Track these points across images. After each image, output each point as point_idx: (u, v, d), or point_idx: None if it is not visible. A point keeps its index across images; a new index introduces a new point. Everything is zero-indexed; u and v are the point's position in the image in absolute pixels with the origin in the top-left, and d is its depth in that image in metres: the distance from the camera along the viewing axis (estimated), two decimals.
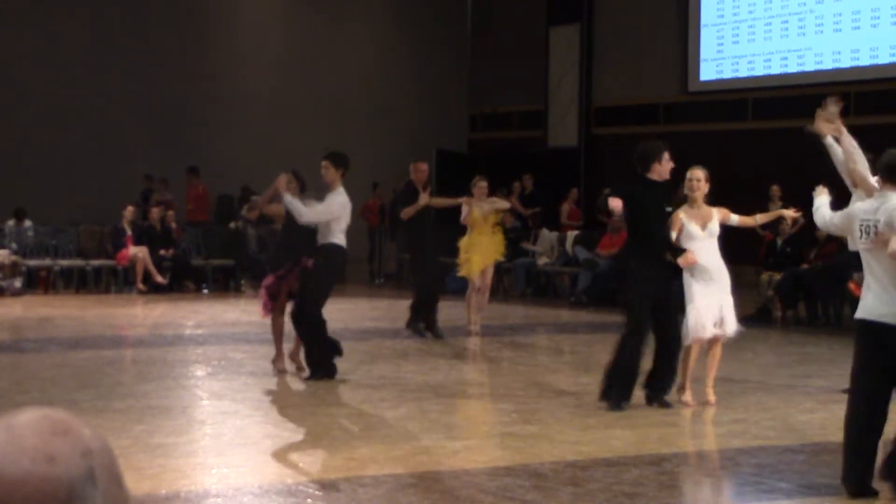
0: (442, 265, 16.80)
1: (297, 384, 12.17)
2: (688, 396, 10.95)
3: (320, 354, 12.20)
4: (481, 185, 16.18)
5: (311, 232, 12.22)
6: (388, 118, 27.95)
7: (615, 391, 10.68)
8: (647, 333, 10.72)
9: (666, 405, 10.81)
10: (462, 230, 16.28)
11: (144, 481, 7.74)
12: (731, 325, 11.02)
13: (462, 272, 16.31)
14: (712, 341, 11.07)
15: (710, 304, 10.88)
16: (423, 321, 15.92)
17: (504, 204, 16.85)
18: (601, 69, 26.75)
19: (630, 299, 10.76)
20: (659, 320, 10.72)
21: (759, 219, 11.75)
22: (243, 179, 24.91)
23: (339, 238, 12.13)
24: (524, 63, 27.93)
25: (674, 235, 10.87)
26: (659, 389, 10.86)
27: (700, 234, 10.87)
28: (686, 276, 10.92)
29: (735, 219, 11.25)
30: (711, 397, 11.08)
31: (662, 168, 10.67)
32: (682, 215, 10.89)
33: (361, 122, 26.72)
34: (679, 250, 10.75)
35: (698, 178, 10.96)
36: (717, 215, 11.02)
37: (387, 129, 27.63)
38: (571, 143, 27.07)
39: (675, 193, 11.44)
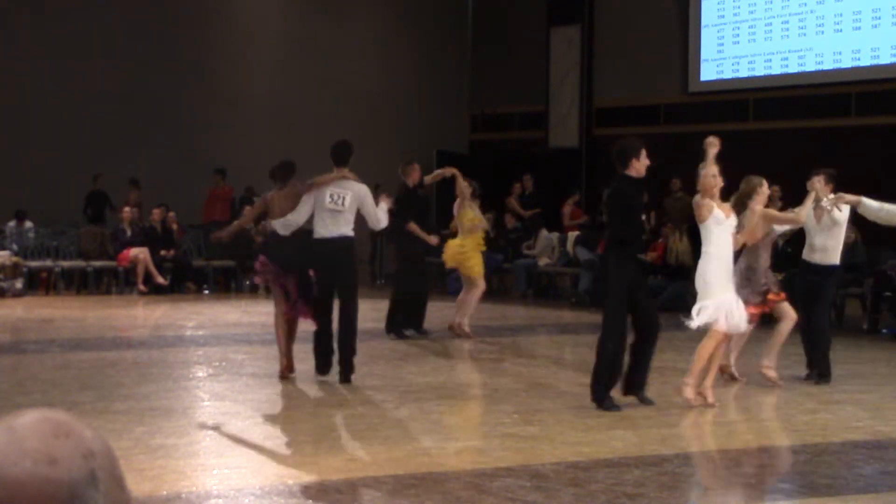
0: (430, 265, 16.72)
1: (297, 386, 12.16)
2: (690, 392, 10.94)
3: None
4: (466, 187, 16.31)
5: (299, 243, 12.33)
6: (389, 119, 27.96)
7: (603, 391, 10.74)
8: (626, 330, 10.75)
9: (647, 402, 10.87)
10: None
11: (145, 483, 7.74)
12: (743, 322, 11.06)
13: (467, 272, 16.26)
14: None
15: (730, 298, 10.90)
16: (409, 322, 16.01)
17: (485, 225, 16.85)
18: (602, 70, 26.75)
19: (610, 298, 10.74)
20: (637, 315, 10.76)
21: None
22: (246, 180, 24.92)
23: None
24: (525, 64, 27.94)
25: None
26: (637, 384, 10.92)
27: (725, 221, 10.94)
28: (709, 265, 10.90)
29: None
30: (711, 398, 11.08)
31: (640, 165, 10.76)
32: (708, 200, 10.93)
33: (363, 123, 26.70)
34: None
35: (714, 174, 11.06)
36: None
37: (388, 131, 27.63)
38: (572, 143, 27.08)
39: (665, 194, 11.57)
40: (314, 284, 12.31)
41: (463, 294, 16.36)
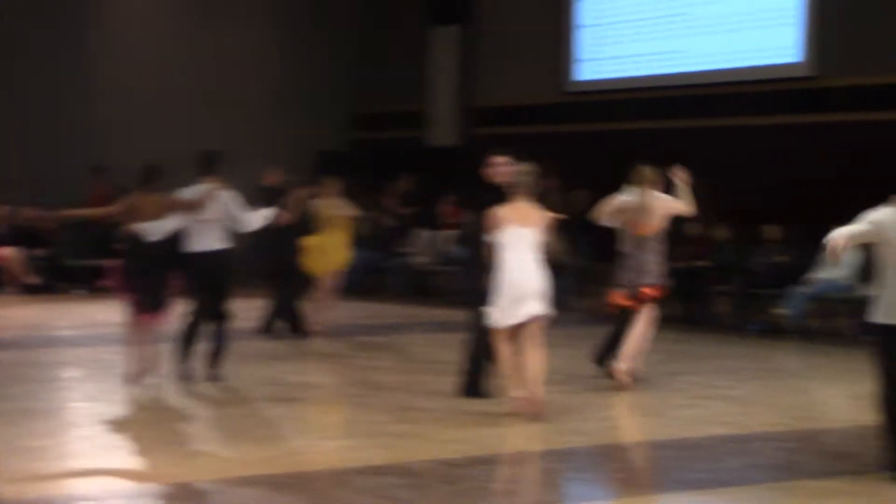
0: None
1: (170, 387, 12.03)
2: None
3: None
4: (329, 184, 16.43)
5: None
6: (269, 119, 27.71)
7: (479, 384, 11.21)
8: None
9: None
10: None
11: (11, 485, 7.62)
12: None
13: (315, 270, 16.20)
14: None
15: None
16: (287, 322, 15.96)
17: (349, 211, 16.76)
18: (483, 70, 26.87)
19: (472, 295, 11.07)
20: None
21: None
22: (119, 180, 24.58)
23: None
24: (406, 63, 27.96)
25: None
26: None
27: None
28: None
29: None
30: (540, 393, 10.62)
31: (486, 172, 11.48)
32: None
33: (243, 123, 26.50)
34: None
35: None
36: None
37: (269, 130, 27.38)
38: (452, 142, 27.17)
39: None
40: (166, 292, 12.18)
41: (326, 292, 16.29)
